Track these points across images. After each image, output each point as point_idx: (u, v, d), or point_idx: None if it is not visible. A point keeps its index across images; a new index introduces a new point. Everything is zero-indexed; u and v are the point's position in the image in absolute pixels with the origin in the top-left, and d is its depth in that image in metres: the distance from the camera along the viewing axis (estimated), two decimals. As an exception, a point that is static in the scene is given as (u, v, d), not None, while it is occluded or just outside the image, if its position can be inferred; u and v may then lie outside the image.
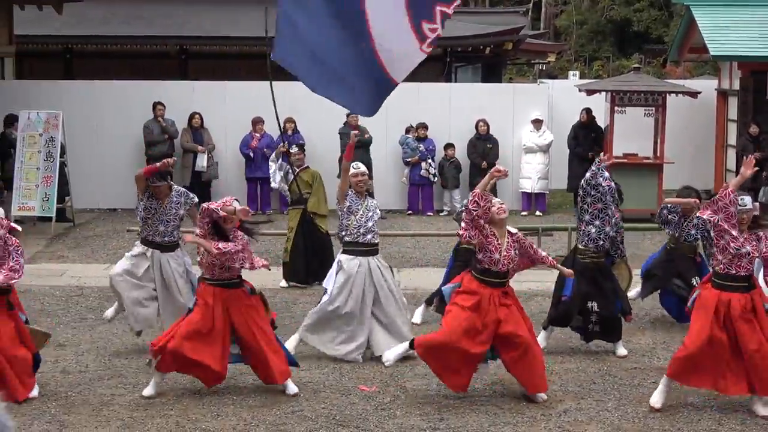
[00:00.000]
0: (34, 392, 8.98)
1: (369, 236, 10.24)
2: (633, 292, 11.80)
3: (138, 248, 10.57)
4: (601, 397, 9.16)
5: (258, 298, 9.28)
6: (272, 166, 13.80)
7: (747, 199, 8.78)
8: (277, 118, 11.83)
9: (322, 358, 10.21)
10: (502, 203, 9.11)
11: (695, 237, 11.38)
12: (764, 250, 8.75)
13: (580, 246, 10.51)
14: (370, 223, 10.24)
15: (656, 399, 8.86)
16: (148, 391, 9.05)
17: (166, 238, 10.45)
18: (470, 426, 8.40)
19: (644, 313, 12.05)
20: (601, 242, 10.37)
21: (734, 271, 8.68)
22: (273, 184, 14.06)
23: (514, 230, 9.17)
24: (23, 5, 20.85)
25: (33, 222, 18.06)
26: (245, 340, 9.13)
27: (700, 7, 20.16)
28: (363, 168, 10.43)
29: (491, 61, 29.99)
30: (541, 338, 10.34)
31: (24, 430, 8.18)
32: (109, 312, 10.84)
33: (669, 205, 11.55)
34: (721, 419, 8.60)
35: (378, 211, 10.45)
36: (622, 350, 10.48)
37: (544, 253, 9.43)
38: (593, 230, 10.32)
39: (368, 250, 10.29)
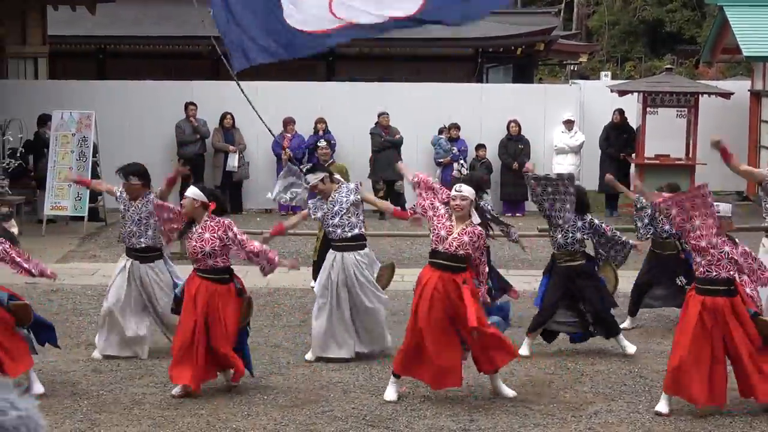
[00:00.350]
0: (39, 389, 8.88)
1: (339, 231, 10.24)
2: (626, 322, 11.67)
3: (120, 263, 10.35)
4: (632, 399, 9.12)
5: (241, 302, 9.21)
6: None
7: (726, 207, 8.74)
8: (261, 118, 11.81)
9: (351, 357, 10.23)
10: (464, 199, 8.75)
11: (669, 233, 11.34)
12: (740, 255, 8.59)
13: (554, 252, 10.59)
14: (335, 219, 10.20)
15: (662, 406, 8.76)
16: (178, 390, 9.08)
17: (139, 239, 10.11)
18: (500, 427, 8.37)
19: (675, 314, 11.96)
20: (570, 247, 10.37)
21: (714, 273, 8.56)
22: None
23: (477, 221, 8.84)
24: (56, 6, 21.01)
25: (65, 221, 18.19)
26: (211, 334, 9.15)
27: (733, 8, 20.04)
28: (315, 180, 10.41)
29: (523, 61, 29.95)
30: (525, 346, 10.36)
31: (56, 428, 8.23)
32: (96, 354, 10.29)
33: (637, 203, 11.58)
34: (752, 422, 8.54)
35: (350, 198, 10.22)
36: (630, 348, 10.41)
37: (484, 270, 9.03)
38: (560, 237, 10.38)
39: (341, 245, 10.27)
